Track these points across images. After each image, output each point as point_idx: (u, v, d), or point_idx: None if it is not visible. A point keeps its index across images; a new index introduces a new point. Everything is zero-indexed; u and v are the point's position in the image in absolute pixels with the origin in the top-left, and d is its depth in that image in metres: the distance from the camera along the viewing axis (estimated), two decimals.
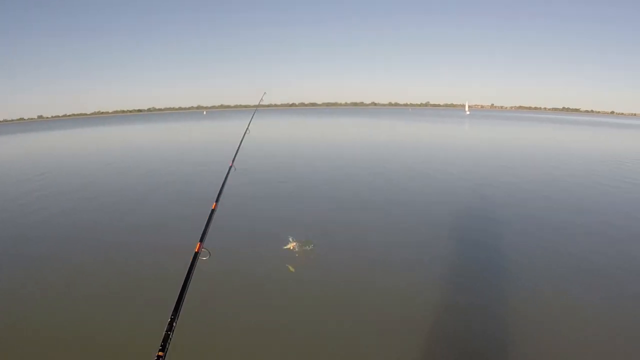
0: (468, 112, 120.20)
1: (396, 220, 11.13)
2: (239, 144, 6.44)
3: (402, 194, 14.07)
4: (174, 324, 2.33)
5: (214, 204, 4.02)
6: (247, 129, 4.73)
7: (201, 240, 3.25)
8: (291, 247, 8.75)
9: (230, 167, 5.29)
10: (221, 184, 4.57)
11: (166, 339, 2.23)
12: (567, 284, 7.31)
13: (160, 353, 2.16)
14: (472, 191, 14.45)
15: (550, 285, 7.28)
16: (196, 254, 3.05)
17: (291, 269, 8.02)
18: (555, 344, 5.65)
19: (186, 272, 2.76)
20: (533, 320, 6.21)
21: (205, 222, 3.52)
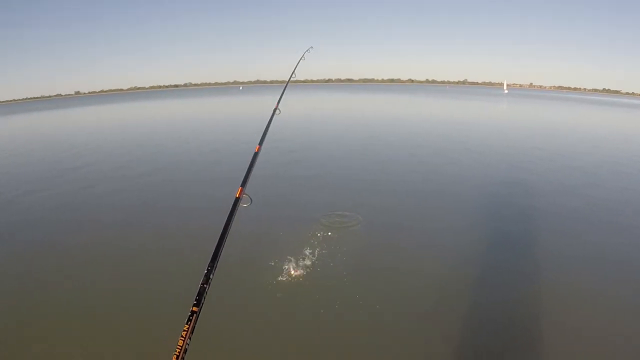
0: (506, 91, 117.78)
1: (428, 203, 10.90)
2: (284, 88, 6.29)
3: (435, 176, 13.68)
4: (211, 276, 2.21)
5: (257, 146, 3.82)
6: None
7: (243, 184, 3.05)
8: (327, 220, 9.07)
9: (275, 109, 5.01)
10: (264, 127, 4.35)
11: (202, 292, 2.10)
12: (610, 284, 6.85)
13: (195, 308, 2.04)
14: (512, 176, 13.78)
15: (591, 283, 6.87)
16: (237, 200, 2.89)
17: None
18: (593, 341, 5.45)
19: (226, 218, 2.62)
20: (573, 318, 5.92)
21: (247, 166, 3.33)
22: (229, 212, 2.67)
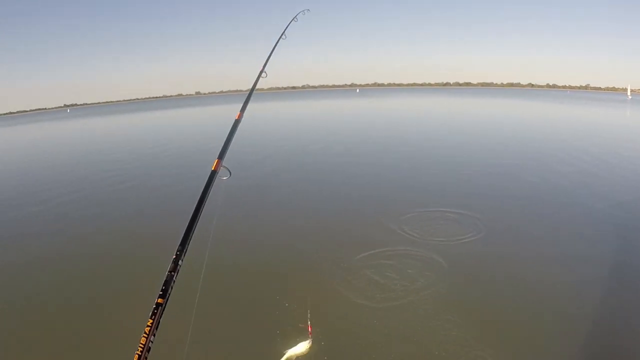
0: (630, 97, 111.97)
1: (554, 212, 11.03)
2: None
3: (560, 185, 13.72)
4: (180, 262, 1.86)
5: (238, 113, 3.52)
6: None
7: (220, 157, 2.74)
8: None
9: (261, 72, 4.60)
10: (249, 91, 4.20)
11: (168, 281, 1.78)
12: None
13: (160, 300, 1.77)
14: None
15: None
16: (213, 173, 2.58)
17: None
18: None
19: (200, 193, 2.32)
20: None
21: (226, 137, 3.02)
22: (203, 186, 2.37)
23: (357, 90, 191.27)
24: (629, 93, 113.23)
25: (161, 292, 1.79)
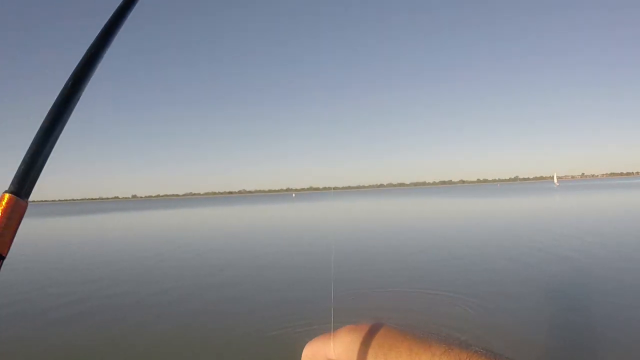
0: (557, 184, 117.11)
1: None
2: None
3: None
4: None
5: None
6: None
7: None
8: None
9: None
10: None
11: None
12: None
13: None
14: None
15: None
16: None
17: None
18: None
19: None
20: None
21: None
22: None
23: (293, 195, 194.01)
24: (555, 180, 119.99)
25: None
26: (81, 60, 0.69)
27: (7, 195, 0.60)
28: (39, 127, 0.64)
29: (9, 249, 0.59)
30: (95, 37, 0.71)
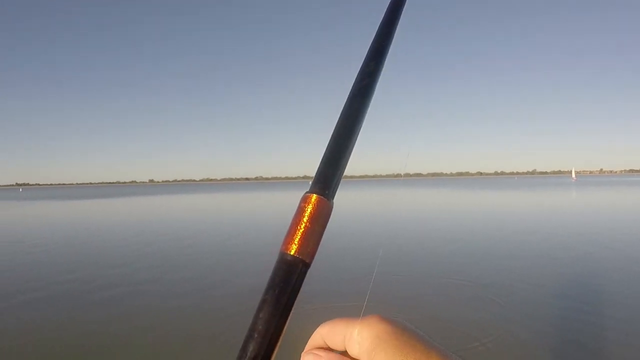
0: (575, 179, 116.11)
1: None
2: None
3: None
4: None
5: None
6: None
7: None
8: None
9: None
10: None
11: None
12: None
13: None
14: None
15: None
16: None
17: None
18: None
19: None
20: None
21: None
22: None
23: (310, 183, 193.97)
24: (573, 175, 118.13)
25: None
26: (369, 53, 0.66)
27: (314, 196, 0.56)
28: (335, 124, 0.61)
29: (314, 256, 0.54)
30: (378, 27, 0.68)
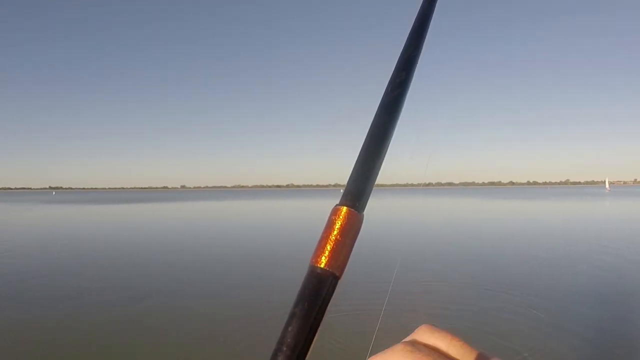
0: (609, 189, 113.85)
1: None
2: None
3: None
4: None
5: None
6: None
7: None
8: None
9: None
10: None
11: None
12: None
13: None
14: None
15: None
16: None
17: None
18: None
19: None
20: None
21: None
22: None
23: (342, 191, 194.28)
24: (607, 185, 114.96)
25: None
26: (398, 63, 0.65)
27: (344, 209, 0.55)
28: (365, 135, 0.59)
29: (344, 269, 0.53)
30: (407, 37, 0.67)
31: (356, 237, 0.55)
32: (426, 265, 13.43)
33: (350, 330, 7.35)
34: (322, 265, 0.53)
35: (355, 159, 0.58)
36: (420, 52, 0.66)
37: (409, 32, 0.68)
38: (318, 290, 0.51)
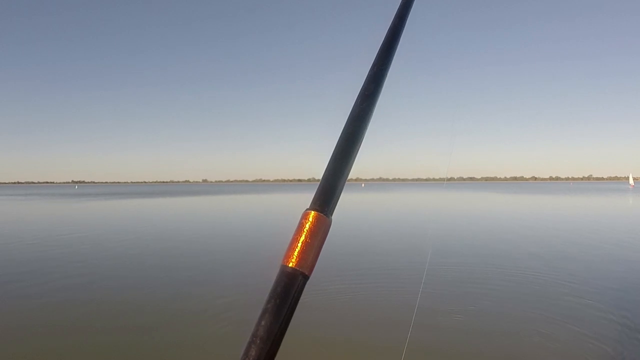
0: (632, 185, 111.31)
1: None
2: None
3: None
4: None
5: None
6: None
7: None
8: None
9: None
10: None
11: None
12: None
13: None
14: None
15: None
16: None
17: None
18: None
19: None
20: None
21: None
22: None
23: (363, 185, 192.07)
24: (631, 181, 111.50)
25: None
26: (368, 77, 0.67)
27: (313, 213, 0.59)
28: (335, 144, 0.62)
29: (313, 268, 0.57)
30: (376, 53, 0.68)
31: (324, 239, 0.60)
32: (459, 250, 14.30)
33: (392, 305, 8.16)
34: (292, 265, 0.58)
35: (325, 166, 0.63)
36: (389, 66, 0.71)
37: (378, 47, 0.71)
38: (289, 288, 0.57)
